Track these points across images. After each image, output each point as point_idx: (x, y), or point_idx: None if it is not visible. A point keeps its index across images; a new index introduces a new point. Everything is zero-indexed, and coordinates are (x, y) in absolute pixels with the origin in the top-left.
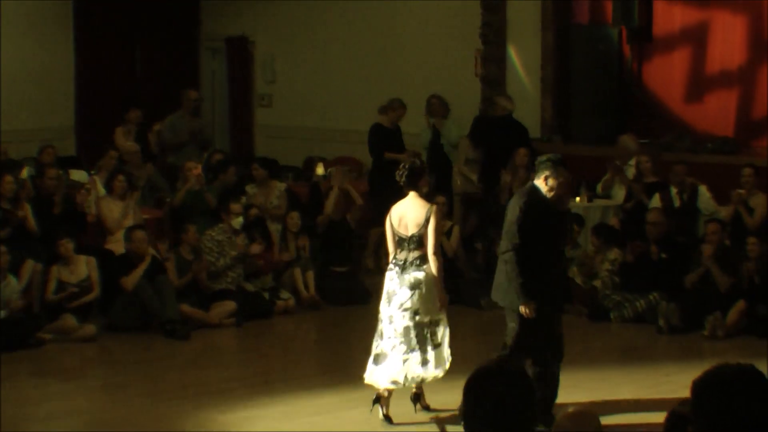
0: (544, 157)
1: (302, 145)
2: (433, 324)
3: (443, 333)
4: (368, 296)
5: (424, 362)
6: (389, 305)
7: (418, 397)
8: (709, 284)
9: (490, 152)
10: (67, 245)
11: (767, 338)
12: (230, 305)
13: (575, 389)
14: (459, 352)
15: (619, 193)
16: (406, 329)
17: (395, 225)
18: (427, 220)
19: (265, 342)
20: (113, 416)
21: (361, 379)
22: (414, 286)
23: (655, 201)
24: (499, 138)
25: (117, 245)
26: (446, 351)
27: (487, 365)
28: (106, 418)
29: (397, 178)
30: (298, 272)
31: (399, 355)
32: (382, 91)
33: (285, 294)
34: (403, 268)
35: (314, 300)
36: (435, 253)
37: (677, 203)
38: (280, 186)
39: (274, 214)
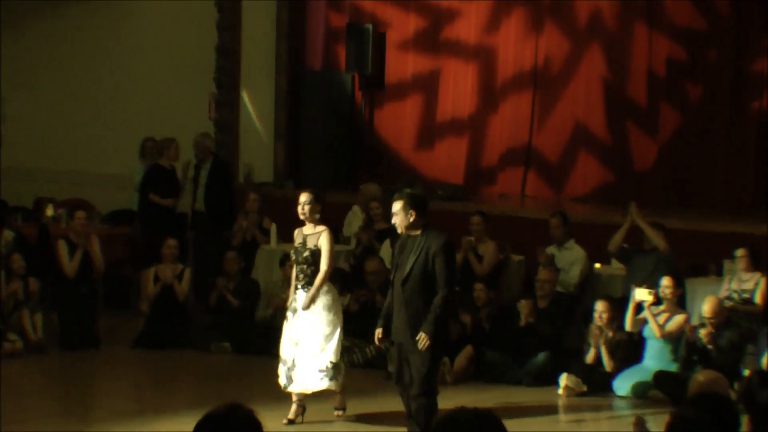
0: None
1: (32, 186)
2: None
3: None
4: (98, 341)
5: None
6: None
7: None
8: None
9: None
10: None
11: (495, 384)
12: None
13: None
14: (189, 397)
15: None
16: None
17: None
18: None
19: None
20: None
21: (93, 420)
22: None
23: (385, 247)
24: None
25: None
26: None
27: (217, 410)
28: None
29: None
30: (26, 314)
31: None
32: (115, 133)
33: (12, 336)
34: None
35: (41, 343)
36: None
37: None
38: (7, 235)
39: None
